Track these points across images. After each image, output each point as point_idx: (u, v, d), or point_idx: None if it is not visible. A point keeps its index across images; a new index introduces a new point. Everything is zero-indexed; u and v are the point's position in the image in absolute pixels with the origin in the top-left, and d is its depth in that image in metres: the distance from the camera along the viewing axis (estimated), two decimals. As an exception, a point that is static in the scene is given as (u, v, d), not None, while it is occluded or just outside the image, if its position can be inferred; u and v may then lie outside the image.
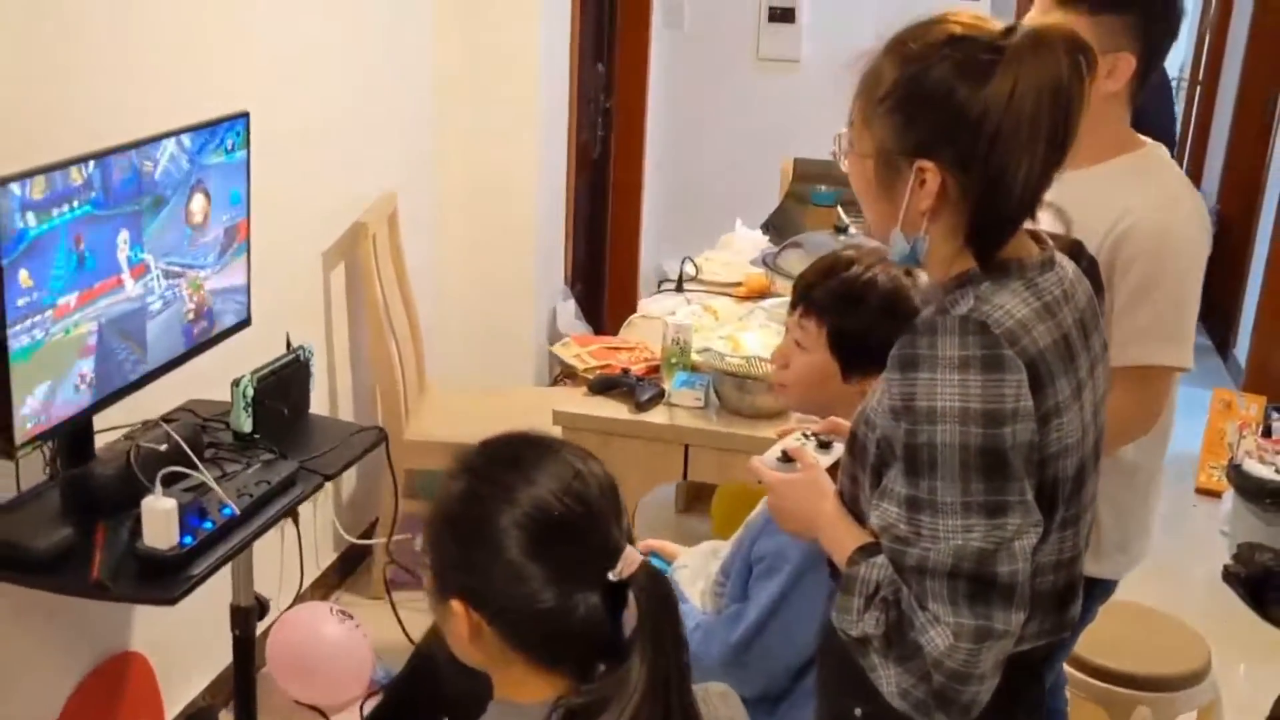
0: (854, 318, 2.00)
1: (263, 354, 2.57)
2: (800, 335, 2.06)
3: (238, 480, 2.26)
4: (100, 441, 2.27)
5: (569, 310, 4.48)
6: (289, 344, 2.63)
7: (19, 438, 1.97)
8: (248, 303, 2.52)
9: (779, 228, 4.18)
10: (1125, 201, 1.96)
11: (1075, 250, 1.58)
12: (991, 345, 1.34)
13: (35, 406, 1.98)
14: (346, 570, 3.64)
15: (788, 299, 3.18)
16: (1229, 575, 3.83)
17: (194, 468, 2.19)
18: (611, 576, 1.24)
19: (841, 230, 3.44)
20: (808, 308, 2.05)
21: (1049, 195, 1.44)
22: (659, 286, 3.69)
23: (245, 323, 2.53)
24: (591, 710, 1.23)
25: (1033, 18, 1.91)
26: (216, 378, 2.51)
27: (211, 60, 2.68)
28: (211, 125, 2.31)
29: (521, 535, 1.23)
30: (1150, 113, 3.67)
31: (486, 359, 4.21)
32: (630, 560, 1.25)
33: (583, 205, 5.10)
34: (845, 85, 1.48)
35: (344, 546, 3.56)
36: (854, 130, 1.47)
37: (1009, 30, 1.37)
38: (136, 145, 2.12)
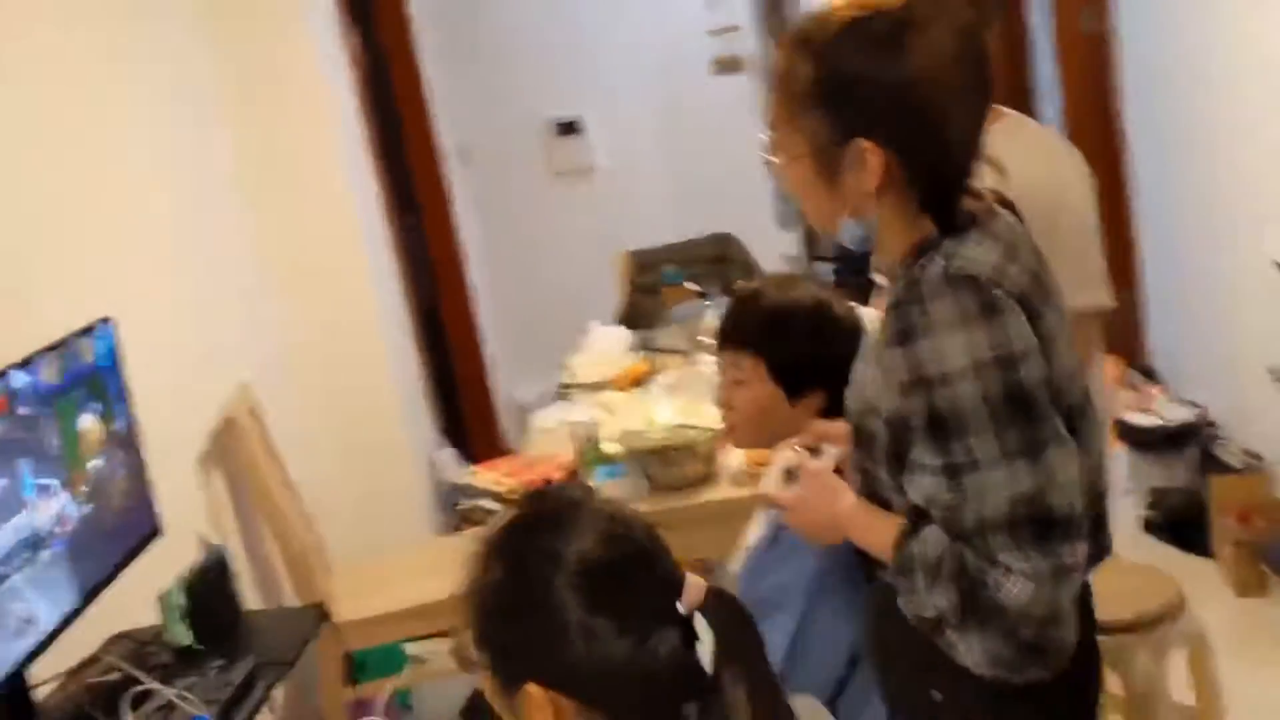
0: (786, 342, 2.02)
1: (159, 572, 2.41)
2: (737, 373, 2.06)
3: (199, 691, 2.11)
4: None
5: (450, 458, 4.39)
6: (204, 545, 2.49)
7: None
8: (152, 511, 2.38)
9: (633, 318, 4.22)
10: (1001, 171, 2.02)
11: (1005, 204, 1.63)
12: (983, 293, 1.35)
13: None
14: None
15: (680, 371, 3.22)
16: (1151, 525, 3.95)
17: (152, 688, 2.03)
18: (681, 608, 1.19)
19: (705, 295, 3.49)
20: (739, 345, 2.05)
21: None
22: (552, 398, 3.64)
23: (155, 533, 2.38)
24: None
25: None
26: (117, 611, 2.33)
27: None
28: (76, 336, 2.19)
29: (578, 595, 1.17)
30: None
31: (381, 528, 4.07)
32: (696, 587, 1.20)
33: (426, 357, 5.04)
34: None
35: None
36: (779, 135, 1.46)
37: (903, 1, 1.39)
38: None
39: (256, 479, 3.30)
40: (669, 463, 2.73)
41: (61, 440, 2.07)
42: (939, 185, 1.43)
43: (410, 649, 3.75)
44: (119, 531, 2.25)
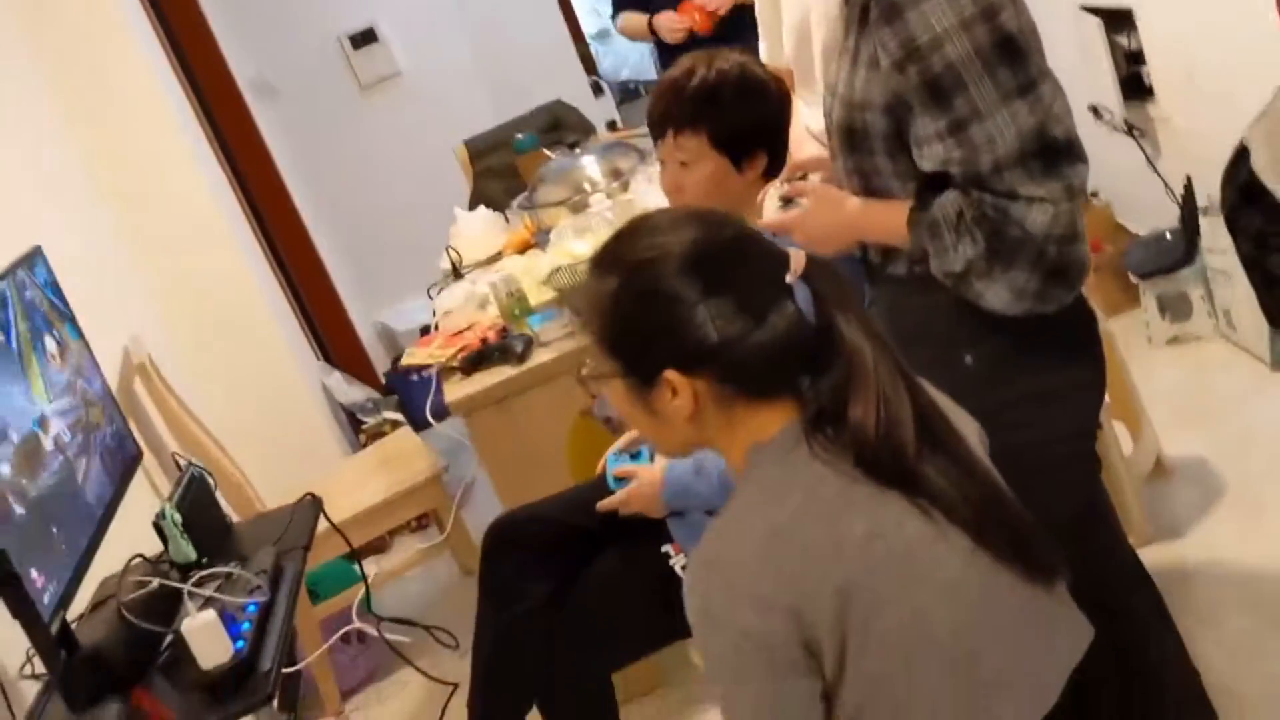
0: (724, 112, 2.11)
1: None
2: (682, 155, 2.14)
3: (235, 585, 2.11)
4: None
5: (340, 381, 4.35)
6: (178, 465, 2.46)
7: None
8: (130, 434, 2.34)
9: (488, 203, 4.23)
10: None
11: None
12: None
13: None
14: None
15: (573, 217, 3.27)
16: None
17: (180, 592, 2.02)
18: (789, 280, 1.27)
19: (573, 145, 3.54)
20: (679, 127, 2.13)
21: None
22: (431, 289, 3.63)
23: (139, 455, 2.34)
24: (838, 401, 1.25)
25: None
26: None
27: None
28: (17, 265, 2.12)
29: (695, 278, 1.25)
30: None
31: (297, 458, 4.03)
32: (798, 259, 1.29)
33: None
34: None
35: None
36: None
37: None
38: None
39: (175, 424, 3.23)
40: (601, 290, 2.79)
41: (40, 366, 2.01)
42: None
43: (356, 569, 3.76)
44: (108, 454, 2.21)
